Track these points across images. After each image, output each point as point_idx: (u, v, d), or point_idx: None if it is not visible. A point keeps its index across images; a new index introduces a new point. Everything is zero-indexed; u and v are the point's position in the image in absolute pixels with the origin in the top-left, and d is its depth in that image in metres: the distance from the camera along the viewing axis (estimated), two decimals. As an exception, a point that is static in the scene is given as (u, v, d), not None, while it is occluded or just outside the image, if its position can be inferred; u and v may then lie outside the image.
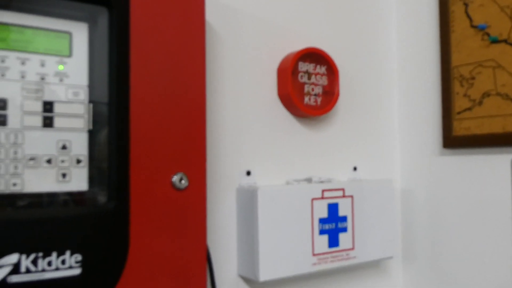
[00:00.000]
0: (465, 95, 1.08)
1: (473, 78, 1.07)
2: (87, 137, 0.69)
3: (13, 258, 0.59)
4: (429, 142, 1.18)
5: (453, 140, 1.10)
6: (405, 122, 1.24)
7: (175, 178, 0.72)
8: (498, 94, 1.02)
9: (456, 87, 1.10)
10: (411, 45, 1.23)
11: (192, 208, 0.74)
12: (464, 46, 1.08)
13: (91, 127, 0.69)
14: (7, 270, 0.59)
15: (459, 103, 1.09)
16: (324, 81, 1.06)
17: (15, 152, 0.63)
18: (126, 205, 0.68)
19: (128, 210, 0.68)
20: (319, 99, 1.05)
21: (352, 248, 1.02)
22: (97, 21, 0.70)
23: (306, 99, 1.03)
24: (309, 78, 1.04)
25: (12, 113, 0.63)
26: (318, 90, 1.05)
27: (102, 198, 0.69)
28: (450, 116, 1.10)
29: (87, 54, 0.69)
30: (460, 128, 1.09)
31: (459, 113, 1.09)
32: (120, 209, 0.68)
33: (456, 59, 1.10)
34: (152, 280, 0.70)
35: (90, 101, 0.69)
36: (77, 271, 0.64)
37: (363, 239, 1.04)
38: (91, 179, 0.69)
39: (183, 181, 0.73)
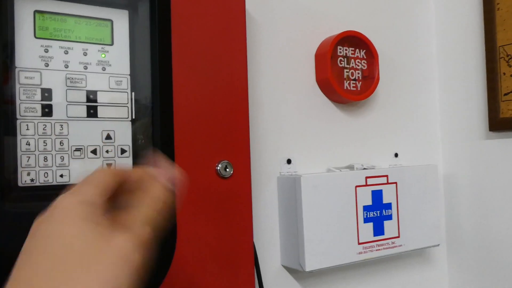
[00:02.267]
0: (512, 75, 1.03)
1: (521, 57, 1.02)
2: (130, 126, 0.68)
3: (63, 249, 0.59)
4: (474, 126, 1.13)
5: (499, 122, 1.06)
6: (447, 105, 1.20)
7: (220, 166, 0.71)
8: (549, 72, 0.97)
9: (503, 67, 1.05)
10: (452, 25, 1.19)
11: (238, 196, 0.73)
12: (511, 24, 1.03)
13: (134, 117, 0.68)
14: (58, 261, 0.58)
15: (506, 83, 1.04)
16: (363, 65, 1.03)
17: (61, 143, 0.63)
18: (172, 194, 0.67)
19: (174, 199, 0.67)
20: (358, 84, 1.02)
21: (398, 236, 0.99)
22: (137, 8, 0.68)
23: (346, 84, 1.00)
24: (348, 63, 1.01)
25: (56, 104, 0.63)
26: (358, 74, 1.02)
27: (147, 188, 0.67)
28: (497, 98, 1.06)
29: (128, 42, 0.68)
30: (508, 110, 1.04)
31: (506, 94, 1.05)
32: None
33: (501, 38, 1.05)
34: (201, 269, 0.69)
35: (133, 90, 0.68)
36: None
37: (408, 227, 1.01)
38: (136, 169, 0.68)
39: (228, 169, 0.71)
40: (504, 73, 1.05)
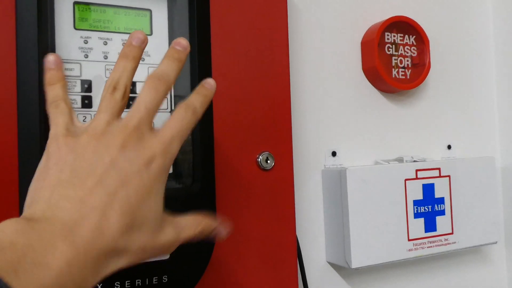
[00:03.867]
0: None
1: None
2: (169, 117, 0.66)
3: (103, 241, 0.58)
4: (535, 115, 1.06)
5: None
6: (504, 93, 1.12)
7: (261, 158, 0.69)
8: None
9: None
10: (510, 8, 1.11)
11: (280, 188, 0.70)
12: None
13: (173, 108, 0.66)
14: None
15: None
16: (413, 52, 0.98)
17: (101, 135, 0.62)
18: (212, 186, 0.65)
19: (214, 191, 0.65)
20: (408, 72, 0.97)
21: (451, 233, 0.93)
22: (176, -3, 0.67)
23: (394, 72, 0.95)
24: (396, 50, 0.96)
25: (96, 95, 0.62)
26: (407, 62, 0.97)
27: (187, 181, 0.66)
28: (561, 84, 0.98)
29: (167, 32, 0.67)
30: None
31: None
32: (206, 191, 0.65)
33: None
34: (241, 264, 0.67)
35: (172, 81, 0.66)
36: (165, 257, 0.62)
37: (463, 223, 0.95)
38: (176, 161, 0.66)
39: (269, 161, 0.69)
40: None
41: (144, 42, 0.48)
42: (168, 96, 0.66)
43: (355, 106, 0.95)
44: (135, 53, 0.48)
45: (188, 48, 0.50)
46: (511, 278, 1.12)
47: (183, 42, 0.50)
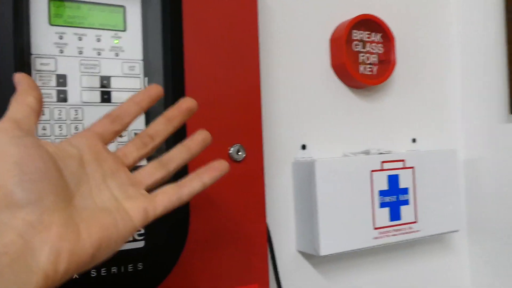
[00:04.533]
0: (533, 56, 1.01)
1: (542, 37, 0.99)
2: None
3: (79, 230, 0.60)
4: (494, 109, 1.11)
5: (521, 105, 1.04)
6: (467, 88, 1.18)
7: (232, 150, 0.71)
8: None
9: (524, 49, 1.03)
10: (473, 7, 1.16)
11: (251, 179, 0.73)
12: (532, 4, 1.01)
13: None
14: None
15: (527, 65, 1.02)
16: (379, 49, 1.02)
17: (76, 128, 0.64)
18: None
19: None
20: (374, 68, 1.01)
21: (415, 221, 0.98)
22: (149, -6, 0.69)
23: (361, 68, 0.99)
24: (363, 47, 1.00)
25: (71, 89, 0.64)
26: (374, 59, 1.01)
27: (161, 172, 0.68)
28: (517, 80, 1.04)
29: (140, 28, 0.69)
30: (529, 92, 1.02)
31: (527, 76, 1.02)
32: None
33: (522, 18, 1.03)
34: (214, 252, 0.70)
35: (146, 75, 0.69)
36: (140, 244, 0.64)
37: (426, 212, 1.00)
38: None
39: (240, 153, 0.72)
40: (525, 55, 1.02)
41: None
42: (141, 76, 0.68)
43: (324, 101, 0.98)
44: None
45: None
46: (472, 265, 1.18)
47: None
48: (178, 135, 0.68)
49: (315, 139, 0.97)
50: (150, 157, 0.68)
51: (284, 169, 0.93)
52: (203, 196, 0.69)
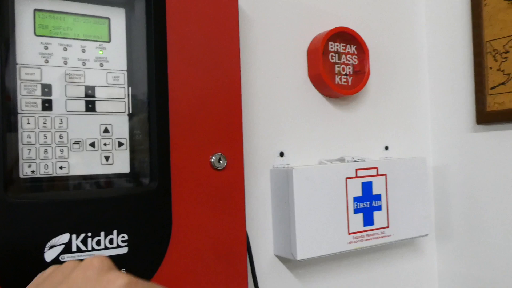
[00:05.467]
0: (498, 69, 1.06)
1: (507, 52, 1.05)
2: (127, 120, 0.70)
3: (64, 237, 0.62)
4: (462, 119, 1.17)
5: (486, 115, 1.09)
6: (436, 99, 1.23)
7: (214, 159, 0.74)
8: (534, 67, 1.00)
9: (489, 62, 1.08)
10: (442, 21, 1.21)
11: (231, 187, 0.76)
12: (497, 20, 1.06)
13: (131, 111, 0.70)
14: (59, 249, 0.61)
15: (493, 77, 1.07)
16: (354, 60, 1.06)
17: (61, 137, 0.65)
18: (168, 185, 0.70)
19: (170, 190, 0.70)
20: (350, 79, 1.05)
21: (387, 227, 1.02)
22: (134, 6, 0.71)
23: (337, 79, 1.03)
24: (339, 58, 1.04)
25: (56, 99, 0.65)
26: (349, 69, 1.05)
27: (144, 180, 0.70)
28: (484, 91, 1.09)
29: (125, 39, 0.70)
30: (494, 103, 1.07)
31: (492, 88, 1.08)
32: (162, 190, 0.69)
33: (488, 33, 1.08)
34: (195, 258, 0.72)
35: (130, 85, 0.70)
36: (124, 250, 0.66)
37: (397, 217, 1.04)
38: (133, 161, 0.70)
39: (221, 161, 0.74)
40: (491, 67, 1.08)
41: None
42: (126, 100, 0.70)
43: (301, 110, 1.02)
44: None
45: None
46: (440, 267, 1.23)
47: None
48: (161, 144, 0.70)
49: (293, 146, 1.00)
50: (134, 152, 0.70)
51: (262, 176, 0.96)
52: (186, 203, 0.71)
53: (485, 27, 1.09)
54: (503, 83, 1.06)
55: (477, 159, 1.14)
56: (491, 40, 1.08)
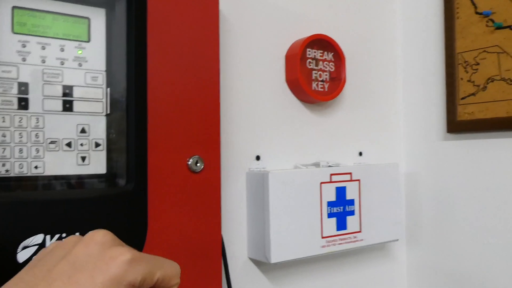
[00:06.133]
0: (469, 80, 1.10)
1: (477, 64, 1.08)
2: (105, 121, 0.70)
3: (38, 238, 0.61)
4: (434, 127, 1.20)
5: (457, 125, 1.12)
6: (410, 107, 1.26)
7: (191, 161, 0.74)
8: (502, 79, 1.04)
9: (461, 73, 1.11)
10: (416, 32, 1.25)
11: (207, 190, 0.76)
12: (469, 33, 1.10)
13: (109, 111, 0.70)
14: (33, 250, 0.60)
15: (464, 88, 1.11)
16: (331, 67, 1.08)
17: (37, 136, 0.65)
18: (144, 187, 0.70)
19: (146, 192, 0.70)
20: (326, 85, 1.07)
21: (359, 231, 1.04)
22: (115, 6, 0.71)
23: (314, 85, 1.04)
24: (316, 65, 1.05)
25: (33, 97, 0.65)
26: (326, 76, 1.07)
27: (120, 181, 0.70)
28: (454, 102, 1.12)
29: (104, 39, 0.70)
30: (464, 113, 1.11)
31: (463, 98, 1.11)
32: (138, 191, 0.69)
33: (460, 45, 1.12)
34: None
35: (108, 86, 0.70)
36: (98, 251, 0.65)
37: (369, 222, 1.06)
38: (110, 162, 0.70)
39: (198, 164, 0.75)
40: (462, 78, 1.11)
41: None
42: (104, 100, 0.70)
43: (278, 114, 1.03)
44: None
45: None
46: (410, 272, 1.26)
47: None
48: (138, 145, 0.70)
49: (269, 150, 1.01)
50: (111, 152, 0.70)
51: (239, 179, 0.96)
52: (162, 205, 0.71)
53: (457, 39, 1.12)
54: (473, 94, 1.09)
55: (447, 167, 1.17)
56: (462, 52, 1.11)
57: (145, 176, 0.70)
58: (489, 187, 1.09)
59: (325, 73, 1.06)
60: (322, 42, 1.05)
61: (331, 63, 1.08)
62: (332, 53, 1.08)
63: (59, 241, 0.40)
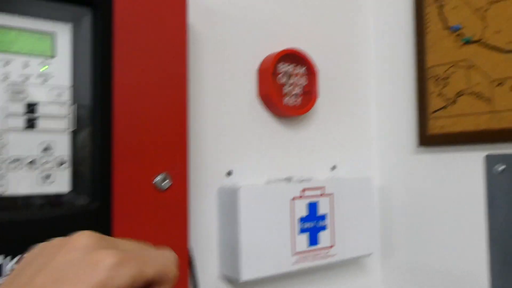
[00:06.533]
0: (439, 94, 1.11)
1: (447, 77, 1.10)
2: (70, 138, 0.69)
3: (-3, 260, 0.59)
4: (406, 141, 1.21)
5: (428, 138, 1.14)
6: (382, 121, 1.27)
7: (158, 179, 0.73)
8: (472, 93, 1.06)
9: (431, 87, 1.13)
10: (388, 46, 1.26)
11: (175, 208, 0.75)
12: (439, 47, 1.12)
13: (74, 128, 0.69)
14: (-9, 272, 0.59)
15: (434, 102, 1.12)
16: (303, 81, 1.08)
17: (-2, 154, 0.63)
18: (109, 206, 0.69)
19: (111, 211, 0.69)
20: (299, 99, 1.07)
21: (332, 246, 1.04)
22: (81, 22, 0.70)
23: (286, 99, 1.05)
24: (289, 79, 1.06)
25: (-6, 115, 0.63)
26: (298, 90, 1.07)
27: (84, 199, 0.69)
28: (425, 115, 1.14)
29: (70, 55, 0.69)
30: (435, 126, 1.12)
31: (434, 112, 1.12)
32: (103, 210, 0.68)
33: (431, 59, 1.13)
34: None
35: (73, 102, 0.69)
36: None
37: (342, 237, 1.06)
38: (74, 181, 0.69)
39: (166, 182, 0.74)
40: (433, 92, 1.13)
41: None
42: (69, 117, 0.69)
43: (250, 129, 1.03)
44: None
45: None
46: (385, 285, 1.26)
47: None
48: (103, 163, 0.69)
49: (241, 165, 1.00)
50: (75, 170, 0.68)
51: (210, 195, 0.95)
52: (128, 224, 0.70)
53: (427, 54, 1.14)
54: (443, 108, 1.11)
55: (419, 180, 1.18)
56: (433, 66, 1.13)
57: (110, 195, 0.69)
58: (460, 199, 1.10)
59: (297, 87, 1.07)
60: (294, 56, 1.06)
61: (303, 77, 1.08)
62: (305, 67, 1.08)
63: (43, 245, 0.36)
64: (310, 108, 1.08)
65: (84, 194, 0.69)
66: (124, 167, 0.71)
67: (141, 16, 0.74)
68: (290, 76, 1.06)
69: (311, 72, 1.09)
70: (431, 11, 1.13)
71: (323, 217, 1.03)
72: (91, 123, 0.70)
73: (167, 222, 0.74)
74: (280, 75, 1.04)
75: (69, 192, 0.68)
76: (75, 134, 0.69)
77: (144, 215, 0.72)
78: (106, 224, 0.68)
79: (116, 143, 0.70)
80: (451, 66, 1.10)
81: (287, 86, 1.05)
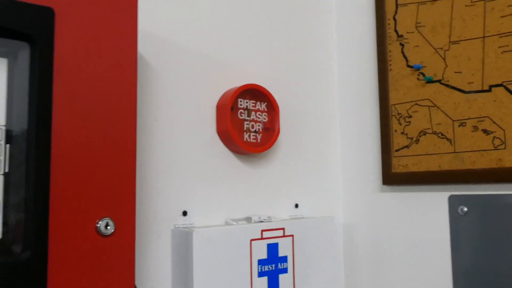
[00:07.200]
0: (402, 132, 1.10)
1: (410, 116, 1.09)
2: (2, 180, 0.63)
3: None
4: (370, 179, 1.18)
5: (391, 177, 1.11)
6: (346, 158, 1.25)
7: (101, 224, 0.68)
8: (434, 132, 1.04)
9: (394, 125, 1.11)
10: (352, 83, 1.25)
11: (119, 254, 0.70)
12: (401, 85, 1.11)
13: (7, 170, 0.63)
14: None
15: (397, 140, 1.10)
16: (264, 117, 1.05)
17: None
18: (44, 254, 0.63)
19: (46, 260, 0.63)
20: (259, 136, 1.04)
21: (293, 289, 0.99)
22: (17, 57, 0.65)
23: (246, 135, 1.01)
24: (249, 115, 1.02)
25: None
26: (259, 126, 1.04)
27: (17, 248, 0.63)
28: (389, 153, 1.12)
29: (5, 92, 0.64)
30: (399, 165, 1.10)
31: (397, 150, 1.10)
32: (37, 260, 0.62)
33: (393, 97, 1.12)
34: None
35: (7, 142, 0.64)
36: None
37: (304, 279, 1.01)
38: (6, 227, 0.63)
39: (109, 227, 0.68)
40: (396, 130, 1.11)
41: None
42: (2, 157, 0.63)
43: (208, 167, 0.98)
44: None
45: None
46: (349, 328, 1.21)
47: None
48: (38, 208, 0.63)
49: (198, 205, 0.96)
50: (7, 216, 0.62)
51: (164, 236, 0.90)
52: (65, 274, 0.64)
53: (390, 91, 1.12)
54: (406, 146, 1.09)
55: (383, 219, 1.15)
56: (395, 104, 1.11)
57: (45, 242, 0.63)
58: (424, 239, 1.07)
59: (258, 123, 1.04)
60: (255, 92, 1.03)
61: (264, 113, 1.05)
62: (266, 103, 1.05)
63: None
64: (271, 145, 1.04)
65: (16, 243, 0.63)
66: (62, 212, 0.65)
67: (86, 49, 0.69)
68: (250, 112, 1.02)
69: (272, 108, 1.06)
70: (393, 49, 1.13)
71: (283, 259, 0.98)
72: (26, 164, 0.64)
73: (111, 270, 0.69)
74: (240, 111, 1.00)
75: (0, 240, 0.62)
76: (8, 176, 0.64)
77: (85, 264, 0.66)
78: (40, 276, 0.62)
79: (54, 186, 0.65)
80: (414, 105, 1.09)
81: (247, 122, 1.02)
